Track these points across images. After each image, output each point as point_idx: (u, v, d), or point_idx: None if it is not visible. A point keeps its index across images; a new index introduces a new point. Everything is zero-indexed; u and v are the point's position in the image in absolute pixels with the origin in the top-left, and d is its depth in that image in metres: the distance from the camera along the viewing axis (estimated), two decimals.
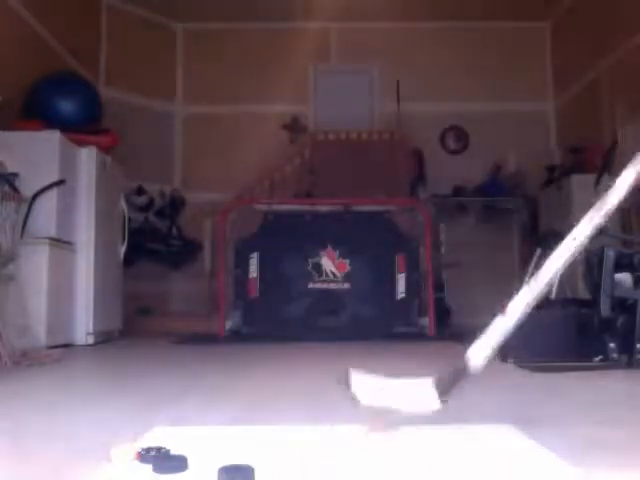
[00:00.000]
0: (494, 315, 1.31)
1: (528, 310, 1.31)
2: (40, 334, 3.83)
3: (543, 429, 1.45)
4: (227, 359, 3.67)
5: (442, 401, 1.27)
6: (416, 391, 1.30)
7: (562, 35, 7.39)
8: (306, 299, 5.33)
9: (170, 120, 7.62)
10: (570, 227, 1.32)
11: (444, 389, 1.28)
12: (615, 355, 2.85)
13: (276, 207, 5.57)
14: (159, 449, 1.16)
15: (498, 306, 1.33)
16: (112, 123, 5.66)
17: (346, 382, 1.31)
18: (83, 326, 4.50)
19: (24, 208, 3.86)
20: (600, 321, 2.93)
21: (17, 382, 2.59)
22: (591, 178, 5.49)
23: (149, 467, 1.10)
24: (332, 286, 5.34)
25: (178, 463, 1.10)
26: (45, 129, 4.31)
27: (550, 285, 1.31)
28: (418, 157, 7.15)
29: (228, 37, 7.64)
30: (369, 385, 1.33)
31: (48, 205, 4.13)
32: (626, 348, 2.83)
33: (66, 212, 4.37)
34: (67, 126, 4.56)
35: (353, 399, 1.29)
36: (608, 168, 5.41)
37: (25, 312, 3.64)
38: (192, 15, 7.46)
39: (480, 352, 1.30)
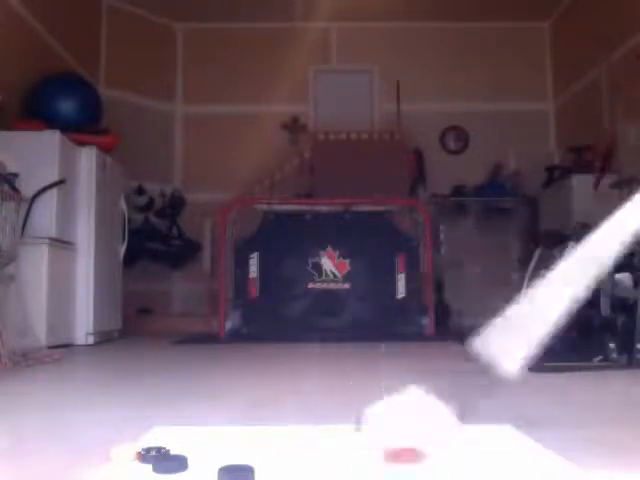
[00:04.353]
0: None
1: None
2: (40, 334, 3.83)
3: (543, 429, 1.45)
4: (227, 359, 3.67)
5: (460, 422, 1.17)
6: (431, 419, 1.20)
7: (562, 35, 7.39)
8: (306, 299, 5.33)
9: (170, 120, 7.62)
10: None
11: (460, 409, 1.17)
12: (615, 355, 2.85)
13: (276, 207, 5.57)
14: (159, 449, 1.16)
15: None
16: (112, 123, 5.66)
17: (360, 424, 1.20)
18: (83, 326, 4.50)
19: (24, 208, 3.86)
20: (600, 321, 2.93)
21: (17, 382, 2.59)
22: (591, 178, 5.49)
23: (149, 467, 1.10)
24: (332, 286, 5.34)
25: (178, 463, 1.10)
26: (45, 129, 4.31)
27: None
28: (418, 157, 7.16)
29: (228, 37, 7.64)
30: (385, 426, 1.20)
31: (48, 205, 4.13)
32: (626, 348, 2.83)
33: (66, 212, 4.38)
34: (67, 126, 4.57)
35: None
36: (607, 169, 5.41)
37: (25, 312, 3.64)
38: (192, 15, 7.45)
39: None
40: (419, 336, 5.10)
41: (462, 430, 1.17)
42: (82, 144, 4.65)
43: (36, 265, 3.95)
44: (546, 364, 2.80)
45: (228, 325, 5.26)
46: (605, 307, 2.91)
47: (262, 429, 1.46)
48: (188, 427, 1.49)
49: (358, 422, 1.20)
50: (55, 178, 4.18)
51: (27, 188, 3.87)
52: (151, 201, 6.98)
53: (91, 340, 4.52)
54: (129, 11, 7.19)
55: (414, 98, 7.36)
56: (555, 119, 7.60)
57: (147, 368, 3.19)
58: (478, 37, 7.62)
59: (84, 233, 4.60)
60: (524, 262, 5.90)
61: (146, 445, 1.19)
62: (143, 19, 7.34)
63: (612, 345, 2.85)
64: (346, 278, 5.35)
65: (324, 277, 5.35)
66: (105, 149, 4.94)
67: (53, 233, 4.15)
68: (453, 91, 7.50)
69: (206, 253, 6.92)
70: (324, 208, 5.57)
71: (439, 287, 6.38)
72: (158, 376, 2.80)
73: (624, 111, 5.76)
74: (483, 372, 1.19)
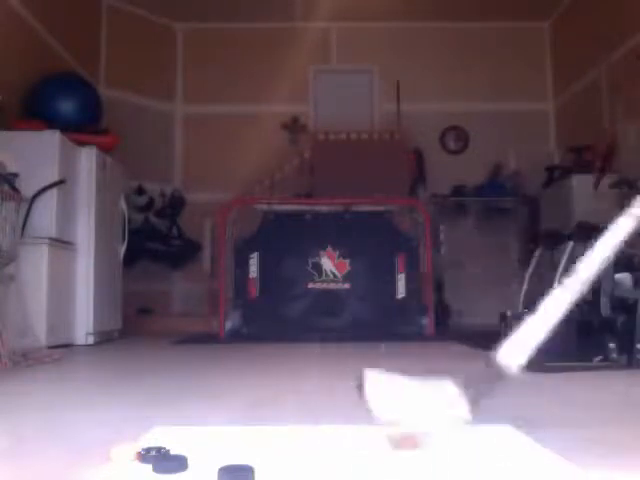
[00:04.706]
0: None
1: (564, 310, 1.20)
2: (40, 334, 3.83)
3: (543, 429, 1.45)
4: (227, 359, 3.67)
5: (472, 410, 1.15)
6: (441, 400, 1.19)
7: (562, 35, 7.39)
8: (306, 299, 5.33)
9: (170, 120, 7.62)
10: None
11: (475, 395, 1.15)
12: (615, 355, 2.85)
13: (276, 207, 5.57)
14: (159, 449, 1.16)
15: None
16: (112, 123, 5.66)
17: (360, 387, 1.18)
18: (83, 326, 4.50)
19: (24, 208, 3.86)
20: (600, 321, 2.92)
21: (17, 382, 2.59)
22: (591, 178, 5.49)
23: (149, 467, 1.10)
24: (332, 286, 5.34)
25: (178, 463, 1.10)
26: (45, 129, 4.31)
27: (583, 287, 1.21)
28: (418, 157, 7.16)
29: (228, 37, 7.64)
30: (387, 393, 1.19)
31: (48, 205, 4.13)
32: (626, 348, 2.83)
33: (66, 212, 4.38)
34: (67, 126, 4.57)
35: (368, 411, 1.18)
36: (607, 169, 5.41)
37: (25, 312, 3.64)
38: (192, 15, 7.45)
39: (515, 353, 1.19)
40: (419, 336, 5.09)
41: (470, 417, 1.15)
42: (82, 144, 4.65)
43: (36, 265, 3.95)
44: (546, 364, 2.80)
45: (228, 325, 5.26)
46: (605, 307, 2.90)
47: (262, 429, 1.46)
48: (188, 427, 1.49)
49: (357, 385, 1.19)
50: (55, 178, 4.18)
51: (27, 188, 3.87)
52: (151, 201, 6.98)
53: (91, 340, 4.52)
54: (129, 11, 7.19)
55: (414, 98, 7.36)
56: (555, 119, 7.60)
57: (147, 368, 3.19)
58: (478, 37, 7.62)
59: (84, 233, 4.60)
60: (524, 262, 5.91)
61: (146, 445, 1.19)
62: (143, 19, 7.35)
63: (612, 345, 2.85)
64: (346, 278, 5.34)
65: (324, 277, 5.35)
66: (105, 149, 4.94)
67: (53, 233, 4.15)
68: (453, 91, 7.50)
69: (206, 253, 6.93)
70: (324, 208, 5.57)
71: (439, 287, 6.38)
72: (158, 376, 2.80)
73: (624, 111, 5.76)
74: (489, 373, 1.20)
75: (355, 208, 5.51)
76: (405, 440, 1.20)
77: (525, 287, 4.41)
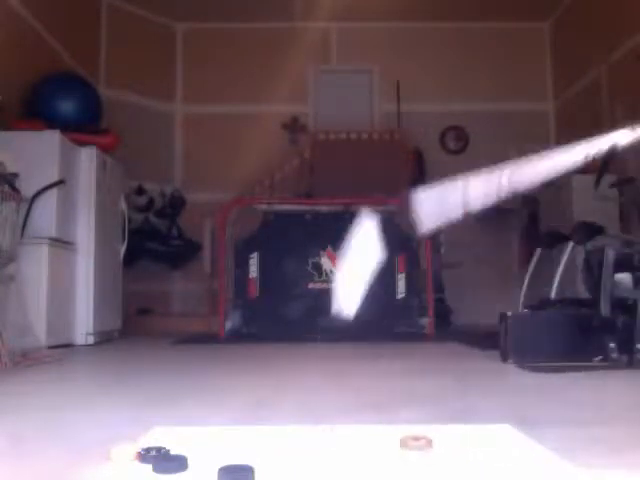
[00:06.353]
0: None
1: None
2: (40, 334, 3.83)
3: (543, 429, 1.45)
4: (227, 359, 3.67)
5: None
6: None
7: (562, 35, 7.39)
8: (306, 299, 5.32)
9: (170, 120, 7.62)
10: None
11: None
12: (615, 355, 2.85)
13: (276, 207, 5.57)
14: (159, 449, 1.16)
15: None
16: (112, 123, 5.66)
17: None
18: (83, 326, 4.50)
19: (24, 208, 3.86)
20: (600, 321, 2.92)
21: (17, 382, 2.59)
22: (591, 178, 5.48)
23: (149, 467, 1.10)
24: (332, 286, 5.33)
25: (178, 463, 1.10)
26: (45, 129, 4.31)
27: None
28: (418, 157, 7.15)
29: (228, 37, 7.64)
30: None
31: (48, 205, 4.13)
32: (626, 348, 2.83)
33: (66, 212, 4.38)
34: (67, 126, 4.57)
35: None
36: (607, 169, 5.40)
37: (25, 312, 3.63)
38: (192, 15, 7.45)
39: None
40: (419, 336, 5.09)
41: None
42: (82, 144, 4.65)
43: (36, 265, 3.95)
44: (546, 364, 2.80)
45: (228, 325, 5.26)
46: (605, 307, 2.90)
47: (262, 429, 1.46)
48: (188, 427, 1.49)
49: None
50: (55, 178, 4.18)
51: (27, 188, 3.87)
52: (151, 201, 6.98)
53: (91, 340, 4.52)
54: (129, 11, 7.19)
55: (414, 98, 7.35)
56: (555, 119, 7.60)
57: (147, 368, 3.19)
58: (478, 37, 7.62)
59: (84, 233, 4.60)
60: (524, 262, 5.90)
61: (146, 445, 1.19)
62: (143, 19, 7.34)
63: (612, 345, 2.85)
64: None
65: (324, 277, 5.34)
66: (105, 149, 4.94)
67: (53, 233, 4.15)
68: (453, 91, 7.50)
69: (206, 253, 6.92)
70: (324, 208, 5.56)
71: (439, 287, 6.37)
72: (158, 376, 2.80)
73: (624, 111, 5.76)
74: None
75: (355, 208, 5.50)
76: (415, 441, 1.22)
77: (525, 287, 4.41)
